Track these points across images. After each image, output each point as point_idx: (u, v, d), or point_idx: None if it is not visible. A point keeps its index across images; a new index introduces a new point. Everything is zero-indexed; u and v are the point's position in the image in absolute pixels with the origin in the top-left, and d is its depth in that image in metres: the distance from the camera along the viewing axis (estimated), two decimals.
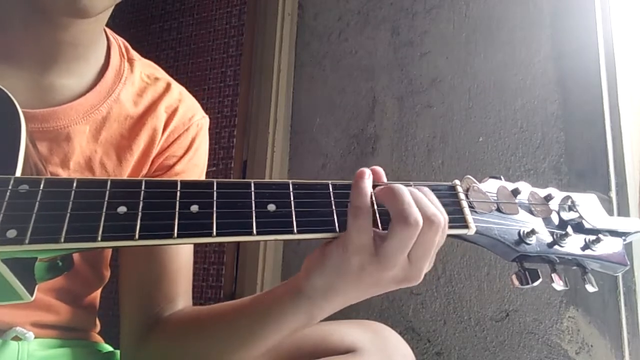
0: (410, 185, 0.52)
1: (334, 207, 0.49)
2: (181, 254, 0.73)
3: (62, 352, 0.70)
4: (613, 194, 1.23)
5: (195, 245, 0.75)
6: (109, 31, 0.73)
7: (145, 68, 0.77)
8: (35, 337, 0.66)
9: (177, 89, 0.78)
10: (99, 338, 0.79)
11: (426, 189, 0.52)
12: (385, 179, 0.54)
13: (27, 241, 0.40)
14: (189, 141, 0.76)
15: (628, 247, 1.23)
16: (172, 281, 0.71)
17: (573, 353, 1.22)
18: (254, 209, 0.46)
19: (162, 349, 0.68)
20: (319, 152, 1.69)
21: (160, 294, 0.70)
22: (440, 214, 0.49)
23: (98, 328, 0.80)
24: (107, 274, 0.78)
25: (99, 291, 0.79)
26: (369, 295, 0.53)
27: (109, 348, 0.78)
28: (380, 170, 0.54)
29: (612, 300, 1.19)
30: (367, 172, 0.51)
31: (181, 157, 0.75)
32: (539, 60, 1.41)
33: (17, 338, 0.65)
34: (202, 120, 0.79)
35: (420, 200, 0.50)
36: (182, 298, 0.72)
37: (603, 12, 1.34)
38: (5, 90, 0.51)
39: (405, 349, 0.72)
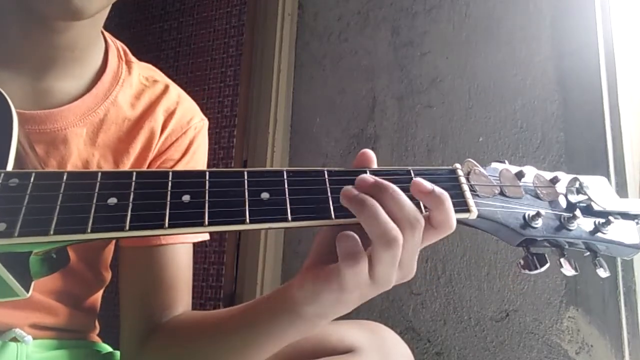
0: (409, 171, 0.51)
1: (329, 193, 0.48)
2: (180, 260, 0.72)
3: (60, 354, 0.70)
4: None
5: (195, 245, 0.75)
6: (107, 34, 0.73)
7: (143, 70, 0.76)
8: (34, 339, 0.66)
9: (176, 91, 0.77)
10: (97, 339, 0.79)
11: (392, 186, 0.47)
12: (375, 163, 0.51)
13: (16, 234, 0.39)
14: (187, 144, 0.75)
15: None
16: (170, 287, 0.71)
17: (573, 353, 1.22)
18: (247, 197, 0.45)
19: (159, 355, 0.67)
20: (319, 152, 1.69)
21: (158, 301, 0.70)
22: (414, 214, 0.45)
23: (97, 330, 0.79)
24: (108, 275, 0.78)
25: (99, 293, 0.78)
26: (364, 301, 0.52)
27: (108, 348, 0.78)
28: (370, 154, 0.51)
29: (612, 300, 1.19)
30: (369, 205, 0.45)
31: (178, 160, 0.75)
32: (539, 60, 1.41)
33: (15, 339, 0.64)
34: (200, 123, 0.78)
35: (392, 206, 0.45)
36: (180, 303, 0.71)
37: (603, 12, 1.34)
38: None
39: (404, 349, 0.71)
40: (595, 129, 1.29)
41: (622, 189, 1.23)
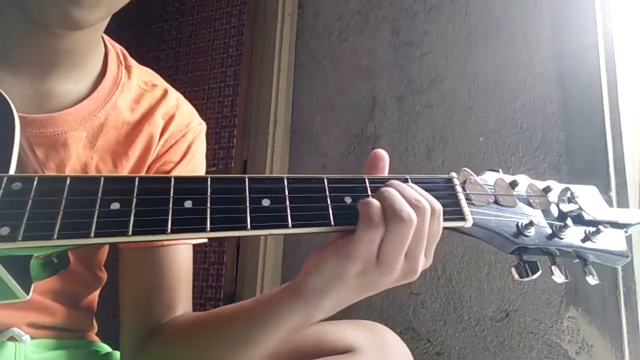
0: (406, 179, 0.52)
1: (329, 201, 0.49)
2: (180, 261, 0.72)
3: (59, 354, 0.70)
4: (613, 194, 1.23)
5: (195, 245, 0.75)
6: (106, 38, 0.73)
7: (142, 75, 0.76)
8: (32, 338, 0.66)
9: (175, 96, 0.78)
10: (96, 338, 0.79)
11: (410, 184, 0.52)
12: (387, 164, 0.54)
13: (20, 238, 0.39)
14: (185, 147, 0.76)
15: (628, 247, 1.23)
16: (171, 288, 0.71)
17: (573, 353, 1.22)
18: (248, 204, 0.46)
19: (161, 355, 0.67)
20: (319, 152, 1.69)
21: (159, 302, 0.70)
22: (425, 200, 0.49)
23: (96, 329, 0.80)
24: (103, 275, 0.78)
25: (96, 293, 0.78)
26: (368, 295, 0.53)
27: (107, 348, 0.78)
28: (383, 154, 0.54)
29: (612, 300, 1.19)
30: (393, 185, 0.50)
31: (177, 163, 0.75)
32: (539, 60, 1.41)
33: (13, 339, 0.64)
34: (198, 127, 0.79)
35: (404, 191, 0.49)
36: (181, 304, 0.71)
37: (603, 12, 1.34)
38: None
39: (403, 348, 0.71)
40: (595, 129, 1.29)
41: (622, 189, 1.23)
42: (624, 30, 1.33)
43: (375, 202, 0.48)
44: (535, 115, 1.38)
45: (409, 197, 0.49)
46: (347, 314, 0.58)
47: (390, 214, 0.47)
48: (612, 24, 1.32)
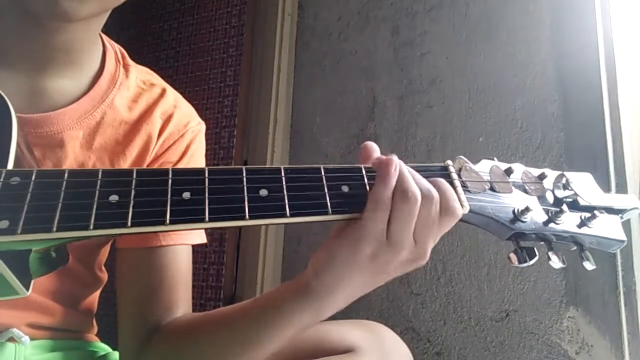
0: None
1: (326, 190, 0.49)
2: (179, 262, 0.72)
3: (58, 355, 0.70)
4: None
5: (195, 245, 0.75)
6: (105, 37, 0.73)
7: (141, 74, 0.76)
8: (31, 339, 0.66)
9: (173, 95, 0.77)
10: (96, 338, 0.78)
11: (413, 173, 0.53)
12: (379, 153, 0.54)
13: (19, 231, 0.40)
14: (184, 147, 0.76)
15: (628, 247, 1.22)
16: (170, 289, 0.70)
17: (573, 353, 1.22)
18: (246, 194, 0.46)
19: (160, 356, 0.67)
20: (319, 152, 1.69)
21: (158, 302, 0.69)
22: (435, 192, 0.50)
23: (95, 330, 0.79)
24: (104, 276, 0.78)
25: (97, 293, 0.78)
26: (378, 284, 0.53)
27: (107, 349, 0.78)
28: (373, 145, 0.54)
29: (612, 300, 1.19)
30: (395, 164, 0.49)
31: (176, 163, 0.75)
32: (539, 60, 1.41)
33: (12, 340, 0.64)
34: (197, 127, 0.78)
35: (415, 176, 0.50)
36: (180, 305, 0.71)
37: (603, 12, 1.34)
38: None
39: (403, 348, 0.72)
40: (595, 129, 1.29)
41: (622, 189, 1.23)
42: (624, 30, 1.33)
43: (389, 185, 0.49)
44: (535, 115, 1.38)
45: (421, 184, 0.50)
46: (347, 314, 0.58)
47: (398, 192, 0.48)
48: (612, 24, 1.32)
